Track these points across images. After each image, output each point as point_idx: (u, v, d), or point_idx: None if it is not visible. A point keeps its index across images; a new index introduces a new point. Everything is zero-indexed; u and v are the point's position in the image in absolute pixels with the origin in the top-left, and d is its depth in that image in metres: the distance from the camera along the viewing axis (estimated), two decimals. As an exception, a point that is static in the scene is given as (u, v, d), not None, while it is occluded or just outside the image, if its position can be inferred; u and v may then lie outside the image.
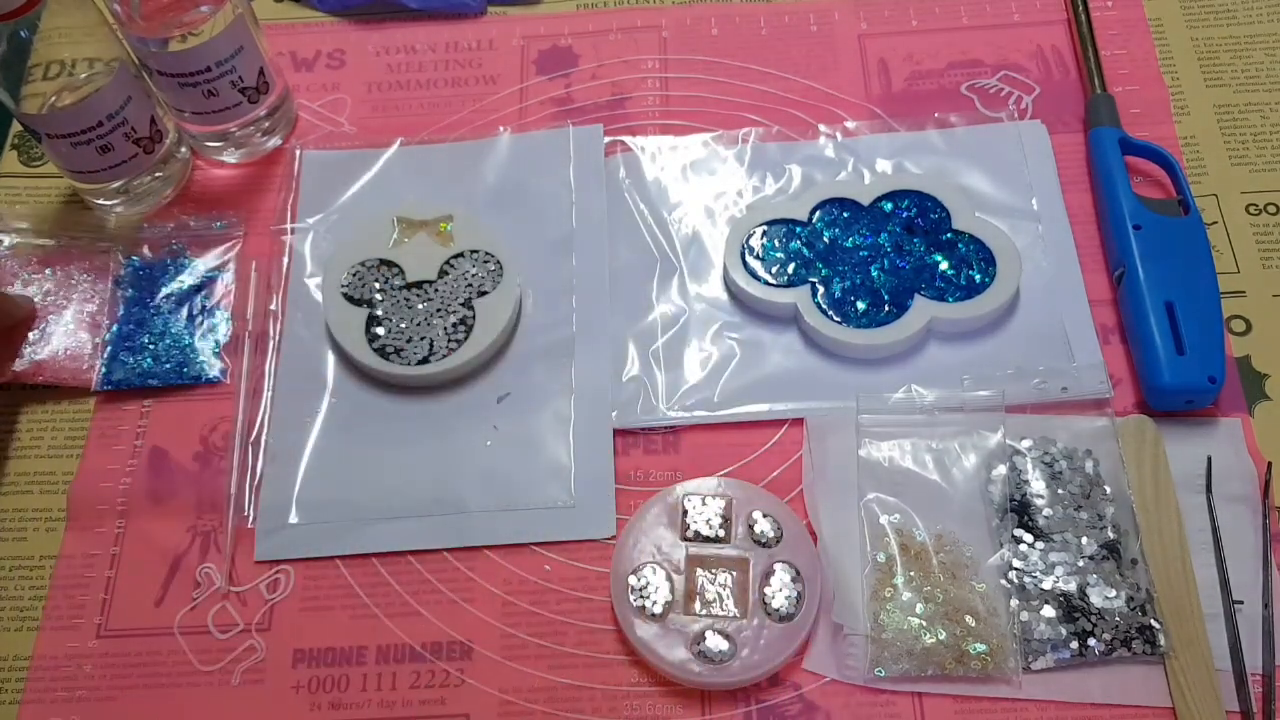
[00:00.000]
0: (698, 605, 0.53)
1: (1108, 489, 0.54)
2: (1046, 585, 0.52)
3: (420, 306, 0.62)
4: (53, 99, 0.61)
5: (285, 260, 0.66)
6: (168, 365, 0.62)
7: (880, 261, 0.62)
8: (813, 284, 0.61)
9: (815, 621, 0.53)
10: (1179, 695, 0.50)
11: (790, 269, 0.62)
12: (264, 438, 0.60)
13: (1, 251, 0.65)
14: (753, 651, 0.51)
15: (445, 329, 0.61)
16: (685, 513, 0.55)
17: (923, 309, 0.60)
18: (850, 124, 0.68)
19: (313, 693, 0.54)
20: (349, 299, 0.63)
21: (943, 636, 0.51)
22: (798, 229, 0.63)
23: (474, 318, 0.61)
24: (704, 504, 0.55)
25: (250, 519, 0.58)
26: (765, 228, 0.63)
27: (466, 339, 0.61)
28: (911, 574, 0.53)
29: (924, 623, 0.52)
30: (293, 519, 0.58)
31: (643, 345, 0.62)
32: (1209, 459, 0.56)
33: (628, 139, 0.69)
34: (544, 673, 0.53)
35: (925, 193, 0.64)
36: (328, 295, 0.63)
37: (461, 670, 0.54)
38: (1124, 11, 0.72)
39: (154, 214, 0.68)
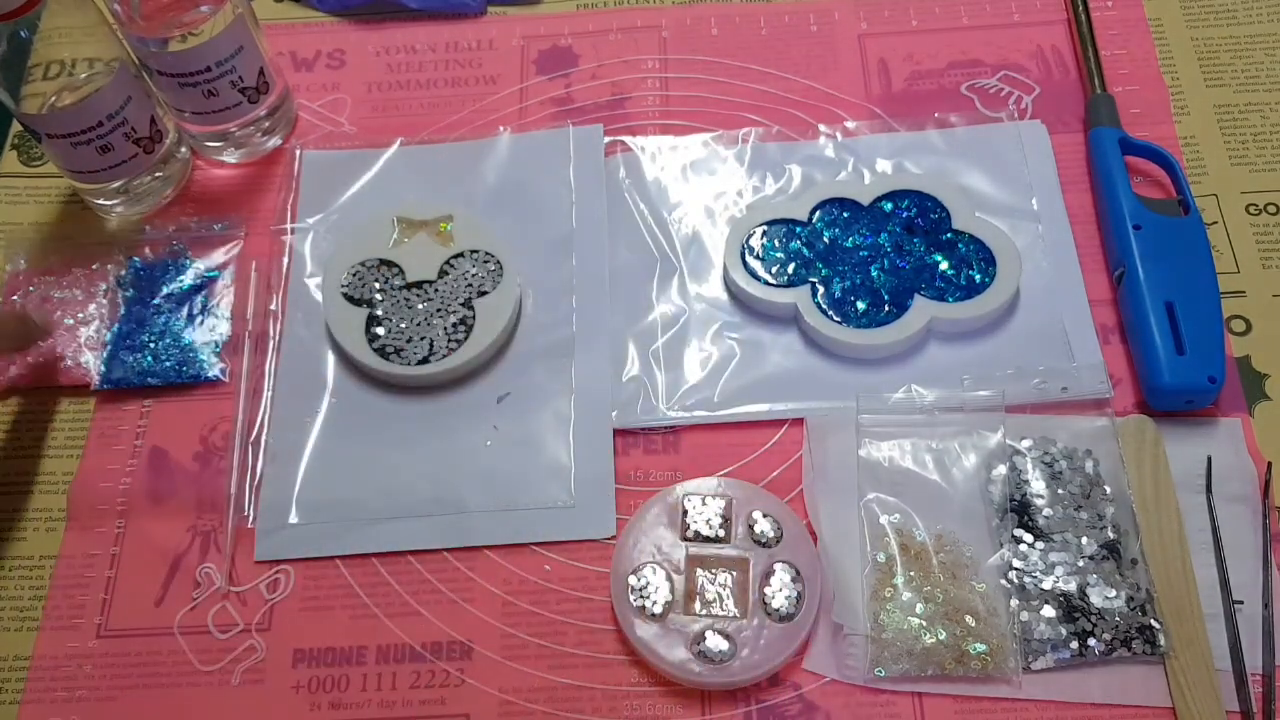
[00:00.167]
0: (698, 605, 0.53)
1: (1108, 489, 0.54)
2: (1046, 585, 0.52)
3: (420, 306, 0.62)
4: (53, 99, 0.61)
5: (285, 260, 0.66)
6: (167, 364, 0.62)
7: (880, 261, 0.62)
8: (813, 284, 0.61)
9: (815, 621, 0.53)
10: (1179, 695, 0.50)
11: (790, 269, 0.62)
12: (264, 438, 0.60)
13: (18, 269, 0.66)
14: (753, 651, 0.51)
15: (445, 329, 0.61)
16: (685, 513, 0.55)
17: (923, 309, 0.60)
18: (850, 124, 0.68)
19: (313, 693, 0.54)
20: (349, 299, 0.63)
21: (943, 636, 0.51)
22: (798, 229, 0.63)
23: (474, 318, 0.61)
24: (704, 504, 0.55)
25: (250, 519, 0.58)
26: (765, 228, 0.63)
27: (466, 339, 0.61)
28: (911, 574, 0.53)
29: (924, 623, 0.52)
30: (293, 519, 0.58)
31: (643, 345, 0.62)
32: (1209, 459, 0.56)
33: (628, 139, 0.69)
34: (544, 673, 0.53)
35: (925, 193, 0.64)
36: (328, 295, 0.63)
37: (461, 670, 0.54)
38: (1124, 11, 0.72)
39: (154, 214, 0.68)
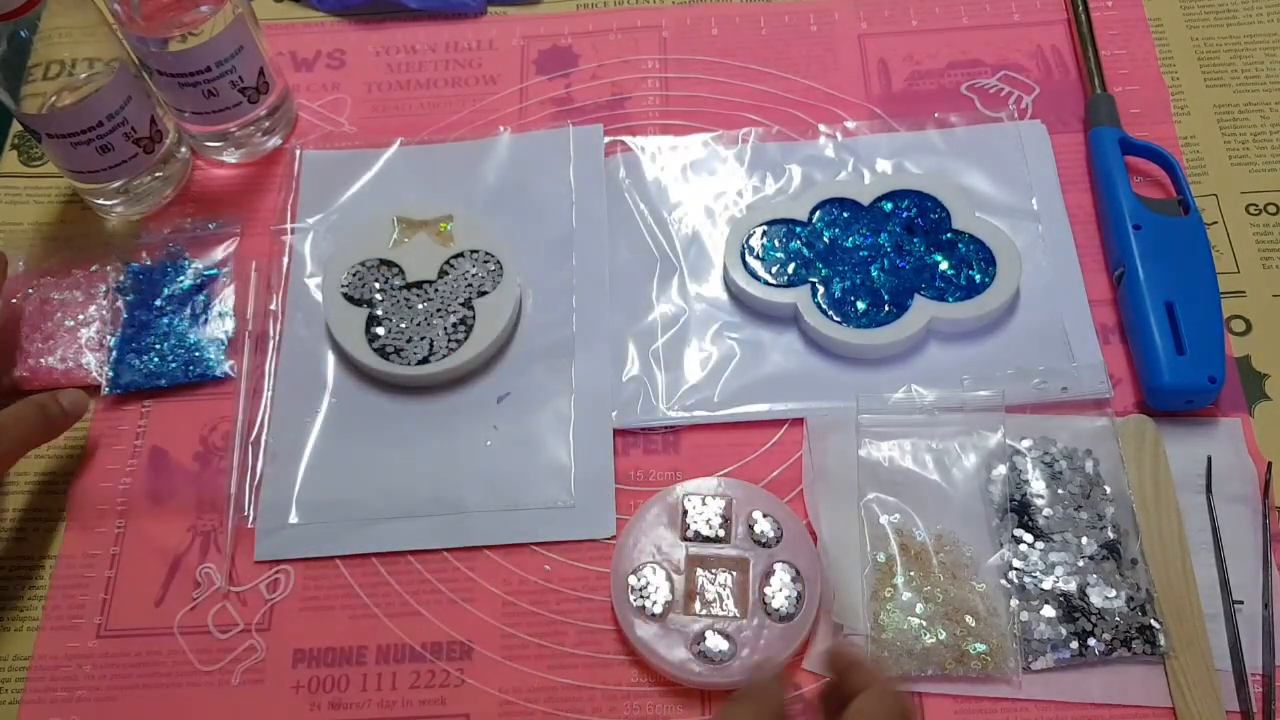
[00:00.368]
0: (698, 605, 0.53)
1: (1108, 489, 0.54)
2: (1046, 585, 0.52)
3: (420, 306, 0.62)
4: (53, 99, 0.61)
5: (285, 260, 0.66)
6: (174, 364, 0.62)
7: (880, 261, 0.62)
8: (813, 284, 0.61)
9: (815, 621, 0.53)
10: (1179, 695, 0.50)
11: (790, 269, 0.62)
12: (264, 438, 0.60)
13: (17, 270, 0.66)
14: (753, 651, 0.51)
15: (445, 329, 0.61)
16: (685, 513, 0.55)
17: (923, 309, 0.60)
18: (850, 124, 0.68)
19: (313, 693, 0.54)
20: (349, 299, 0.63)
21: (943, 636, 0.51)
22: (798, 229, 0.63)
23: (474, 318, 0.61)
24: (704, 504, 0.55)
25: (250, 519, 0.58)
26: (765, 228, 0.63)
27: (466, 339, 0.61)
28: (911, 574, 0.53)
29: (924, 623, 0.51)
30: (293, 519, 0.58)
31: (643, 345, 0.62)
32: (1209, 459, 0.56)
33: (628, 139, 0.69)
34: (544, 673, 0.53)
35: (925, 193, 0.64)
36: (328, 295, 0.63)
37: (461, 670, 0.54)
38: (1124, 11, 0.72)
39: (154, 214, 0.68)
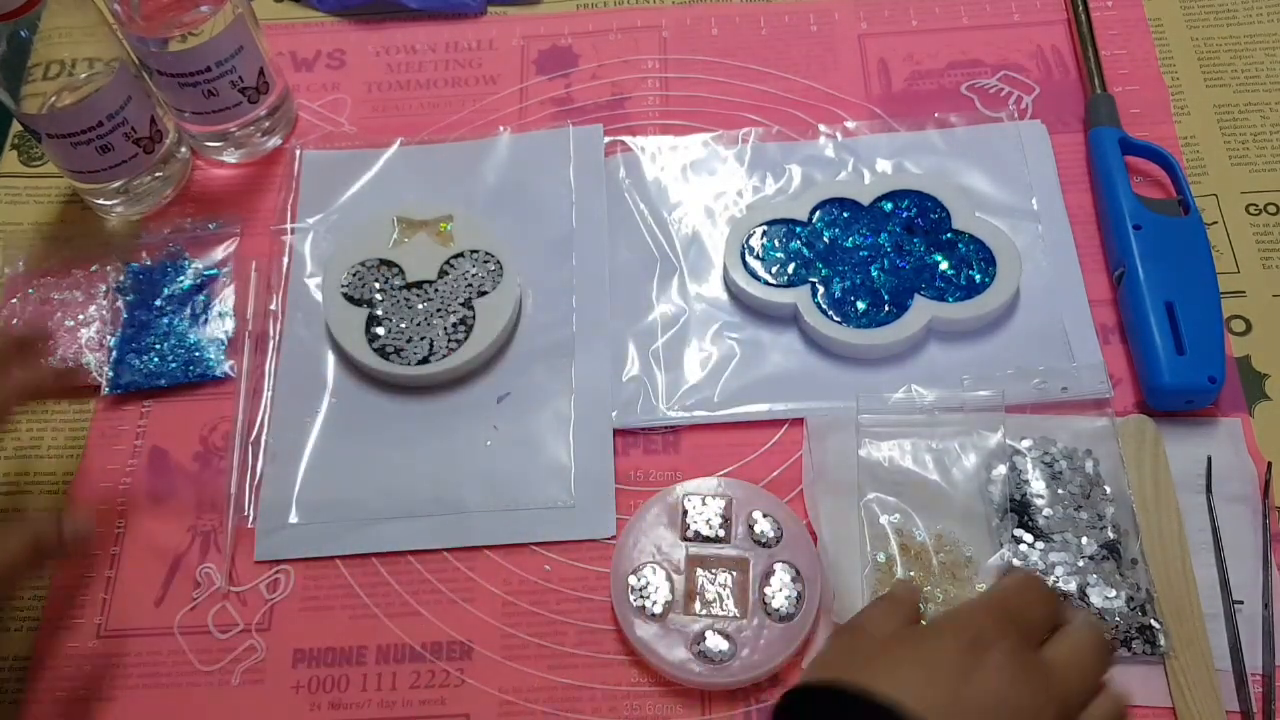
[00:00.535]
0: (698, 605, 0.53)
1: (1108, 489, 0.54)
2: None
3: (420, 306, 0.62)
4: (53, 99, 0.61)
5: (285, 260, 0.66)
6: (174, 364, 0.62)
7: (880, 261, 0.62)
8: (813, 284, 0.61)
9: (815, 621, 0.53)
10: (1179, 695, 0.50)
11: (790, 269, 0.62)
12: (264, 438, 0.60)
13: (17, 270, 0.66)
14: (753, 651, 0.51)
15: (445, 329, 0.61)
16: (685, 513, 0.55)
17: (923, 309, 0.60)
18: (850, 124, 0.68)
19: (313, 693, 0.54)
20: (349, 299, 0.63)
21: None
22: (798, 229, 0.63)
23: (474, 318, 0.61)
24: (704, 504, 0.55)
25: (250, 519, 0.58)
26: (765, 228, 0.63)
27: (466, 339, 0.61)
28: (911, 574, 0.53)
29: (924, 623, 0.51)
30: (293, 519, 0.58)
31: (643, 345, 0.62)
32: (1209, 459, 0.56)
33: (628, 139, 0.69)
34: (544, 673, 0.53)
35: (925, 193, 0.64)
36: (328, 295, 0.63)
37: (461, 670, 0.54)
38: (1124, 11, 0.72)
39: (154, 214, 0.68)
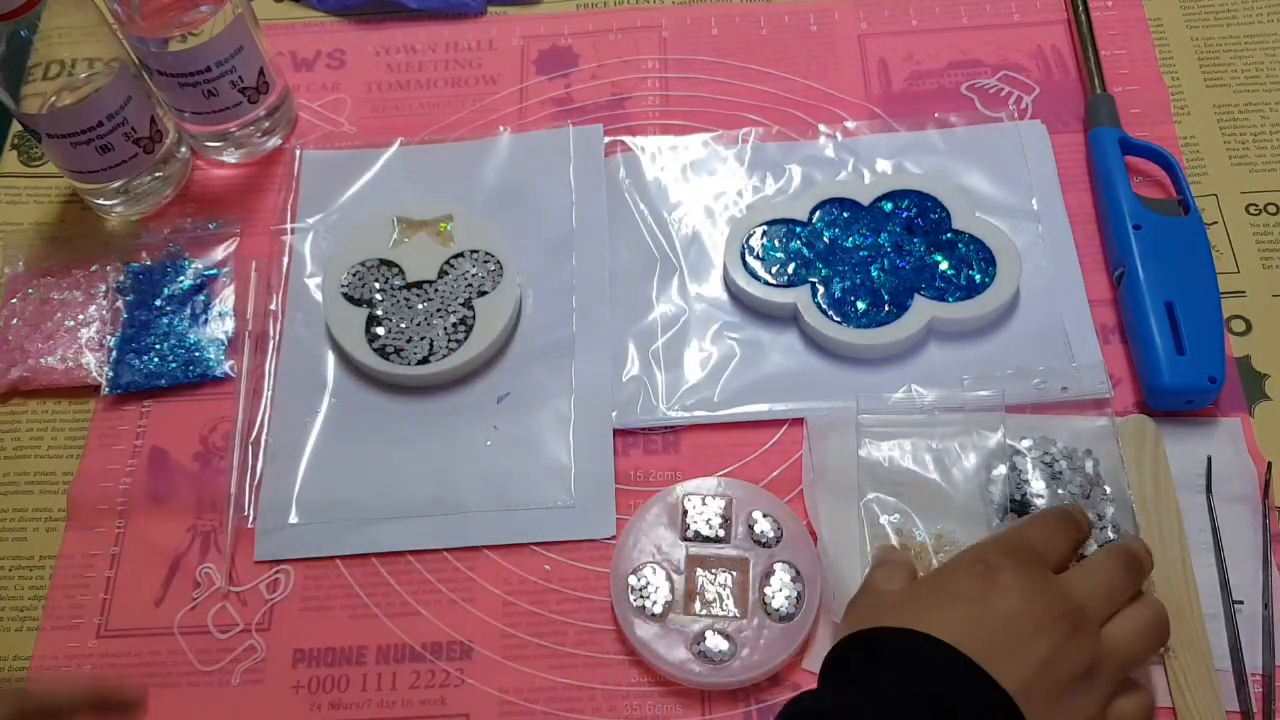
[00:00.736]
0: (698, 605, 0.53)
1: (1108, 489, 0.54)
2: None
3: (420, 306, 0.62)
4: (53, 99, 0.61)
5: (285, 260, 0.66)
6: (174, 364, 0.62)
7: (880, 261, 0.62)
8: (813, 284, 0.61)
9: (815, 621, 0.53)
10: (1179, 695, 0.50)
11: (790, 269, 0.62)
12: (264, 438, 0.60)
13: (17, 270, 0.66)
14: (753, 651, 0.51)
15: (445, 329, 0.61)
16: (685, 513, 0.55)
17: (923, 309, 0.60)
18: (850, 124, 0.68)
19: (313, 693, 0.54)
20: (349, 299, 0.63)
21: None
22: (798, 229, 0.63)
23: (474, 318, 0.61)
24: (704, 504, 0.55)
25: (250, 519, 0.58)
26: (765, 228, 0.63)
27: (466, 339, 0.61)
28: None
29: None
30: (293, 519, 0.58)
31: (643, 345, 0.62)
32: (1209, 459, 0.56)
33: (628, 139, 0.69)
34: (544, 673, 0.53)
35: (925, 193, 0.64)
36: (328, 295, 0.63)
37: (461, 670, 0.54)
38: (1124, 11, 0.72)
39: (154, 214, 0.68)
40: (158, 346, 0.63)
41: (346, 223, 0.67)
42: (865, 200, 0.64)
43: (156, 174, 0.67)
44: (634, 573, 0.53)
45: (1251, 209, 0.64)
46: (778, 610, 0.52)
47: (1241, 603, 0.52)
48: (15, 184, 0.71)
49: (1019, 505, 0.54)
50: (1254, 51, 0.70)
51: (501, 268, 0.63)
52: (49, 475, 0.60)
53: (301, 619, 0.56)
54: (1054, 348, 0.60)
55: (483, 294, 0.62)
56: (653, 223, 0.66)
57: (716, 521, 0.55)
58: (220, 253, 0.66)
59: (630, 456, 0.59)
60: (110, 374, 0.62)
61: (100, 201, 0.67)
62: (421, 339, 0.61)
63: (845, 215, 0.63)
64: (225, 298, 0.64)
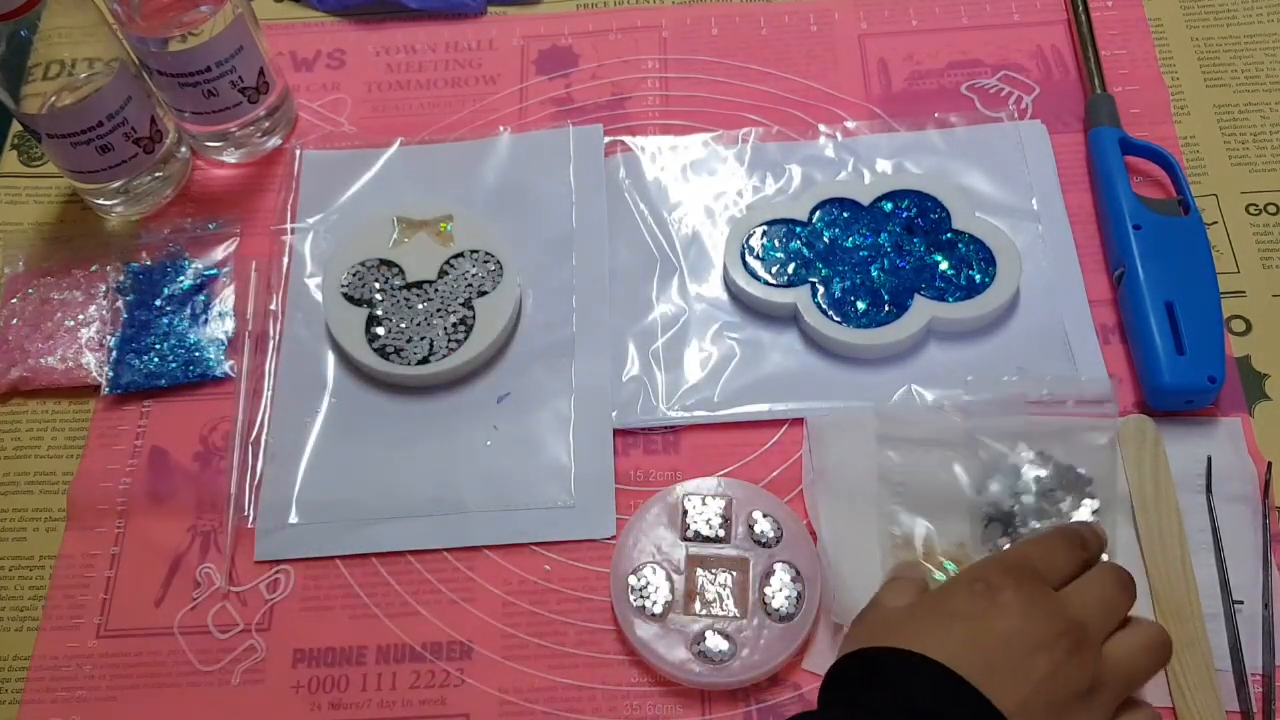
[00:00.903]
0: (698, 605, 0.53)
1: (1093, 509, 0.54)
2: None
3: (420, 306, 0.62)
4: (53, 99, 0.61)
5: (285, 260, 0.66)
6: (174, 364, 0.62)
7: (880, 261, 0.62)
8: (813, 284, 0.61)
9: (815, 621, 0.53)
10: (1179, 695, 0.50)
11: (790, 269, 0.62)
12: (264, 438, 0.60)
13: (17, 270, 0.66)
14: (753, 651, 0.51)
15: (445, 329, 0.61)
16: (685, 513, 0.55)
17: (923, 309, 0.60)
18: (850, 124, 0.68)
19: (313, 693, 0.54)
20: (349, 299, 0.63)
21: None
22: (798, 229, 0.63)
23: (474, 318, 0.61)
24: (704, 504, 0.55)
25: (250, 519, 0.58)
26: (765, 228, 0.63)
27: (466, 339, 0.61)
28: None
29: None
30: (293, 519, 0.58)
31: (643, 345, 0.62)
32: (1209, 459, 0.56)
33: (628, 139, 0.69)
34: (544, 673, 0.53)
35: (925, 193, 0.64)
36: (328, 295, 0.63)
37: (461, 670, 0.54)
38: (1124, 11, 0.72)
39: (154, 214, 0.68)
40: (158, 346, 0.63)
41: (346, 223, 0.67)
42: (865, 200, 0.64)
43: (156, 174, 0.67)
44: (634, 573, 0.53)
45: (1251, 209, 0.64)
46: (778, 610, 0.52)
47: (1241, 603, 0.52)
48: (15, 184, 0.71)
49: (1005, 517, 0.53)
50: (1254, 51, 0.70)
51: (501, 268, 0.63)
52: (49, 475, 0.60)
53: (301, 619, 0.56)
54: (1054, 348, 0.60)
55: (483, 294, 0.62)
56: (653, 223, 0.66)
57: (716, 521, 0.55)
58: (220, 253, 0.66)
59: (630, 456, 0.59)
60: (110, 374, 0.62)
61: (100, 201, 0.67)
62: (421, 339, 0.61)
63: (845, 215, 0.63)
64: (225, 298, 0.64)
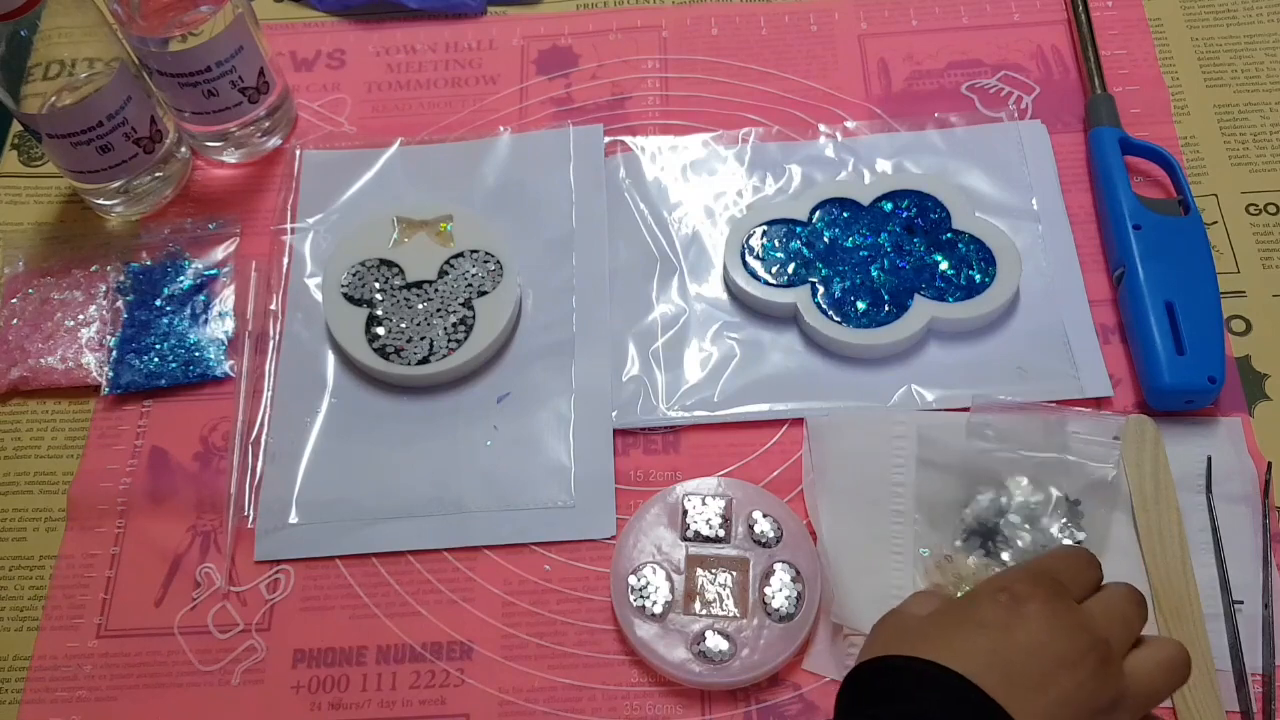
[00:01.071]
0: (698, 605, 0.53)
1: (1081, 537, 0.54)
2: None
3: (420, 306, 0.62)
4: (53, 99, 0.61)
5: (285, 260, 0.66)
6: (174, 364, 0.62)
7: (880, 261, 0.62)
8: (813, 284, 0.61)
9: (815, 621, 0.53)
10: (1179, 695, 0.50)
11: (790, 269, 0.62)
12: (264, 438, 0.60)
13: (17, 270, 0.66)
14: (753, 651, 0.51)
15: (445, 329, 0.61)
16: (685, 513, 0.55)
17: (923, 309, 0.60)
18: (850, 124, 0.68)
19: (313, 693, 0.54)
20: (349, 299, 0.63)
21: None
22: (798, 229, 0.63)
23: (474, 318, 0.61)
24: (704, 504, 0.55)
25: (250, 519, 0.58)
26: (765, 228, 0.63)
27: (466, 339, 0.61)
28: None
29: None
30: (293, 519, 0.58)
31: (643, 345, 0.62)
32: (1209, 459, 0.56)
33: (628, 139, 0.69)
34: (544, 673, 0.53)
35: (925, 193, 0.64)
36: (328, 295, 0.63)
37: (461, 670, 0.54)
38: (1124, 11, 0.72)
39: (154, 214, 0.68)
40: (158, 346, 0.63)
41: (346, 223, 0.67)
42: (865, 200, 0.64)
43: (156, 174, 0.67)
44: (634, 573, 0.53)
45: (1251, 209, 0.64)
46: (778, 610, 0.52)
47: (1241, 603, 0.52)
48: (15, 184, 0.71)
49: (986, 532, 0.53)
50: (1254, 51, 0.70)
51: (501, 268, 0.63)
52: (49, 475, 0.60)
53: (301, 619, 0.56)
54: (1054, 348, 0.60)
55: (483, 294, 0.62)
56: (653, 223, 0.66)
57: (716, 521, 0.55)
58: (220, 253, 0.66)
59: (630, 456, 0.59)
60: (110, 374, 0.62)
61: (100, 201, 0.67)
62: (421, 339, 0.61)
63: (845, 215, 0.63)
64: (225, 298, 0.64)
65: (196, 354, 0.62)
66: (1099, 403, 0.58)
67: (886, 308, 0.60)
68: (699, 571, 0.54)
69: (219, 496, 0.59)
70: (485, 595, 0.56)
